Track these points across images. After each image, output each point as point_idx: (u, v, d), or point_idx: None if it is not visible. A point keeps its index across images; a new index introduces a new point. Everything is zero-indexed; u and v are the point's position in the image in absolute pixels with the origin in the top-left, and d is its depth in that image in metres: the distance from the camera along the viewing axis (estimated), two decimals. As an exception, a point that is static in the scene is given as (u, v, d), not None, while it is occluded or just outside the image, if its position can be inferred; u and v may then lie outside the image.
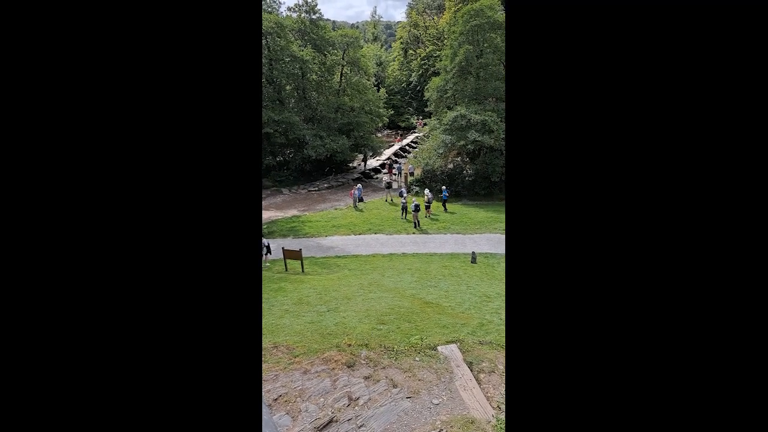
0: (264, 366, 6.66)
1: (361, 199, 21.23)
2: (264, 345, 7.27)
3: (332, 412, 5.72)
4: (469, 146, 21.80)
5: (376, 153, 29.81)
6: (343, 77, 27.52)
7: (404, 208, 18.93)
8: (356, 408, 5.84)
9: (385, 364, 6.82)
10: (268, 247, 14.09)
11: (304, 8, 26.72)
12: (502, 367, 6.90)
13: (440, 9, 43.81)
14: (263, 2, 26.50)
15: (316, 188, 24.75)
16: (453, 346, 7.38)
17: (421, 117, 35.97)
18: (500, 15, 22.54)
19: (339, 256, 15.16)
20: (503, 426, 4.96)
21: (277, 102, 25.14)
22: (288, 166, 25.95)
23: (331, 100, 26.68)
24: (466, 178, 22.59)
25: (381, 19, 74.08)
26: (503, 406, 5.69)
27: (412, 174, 24.61)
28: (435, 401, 6.01)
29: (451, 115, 21.99)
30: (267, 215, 19.49)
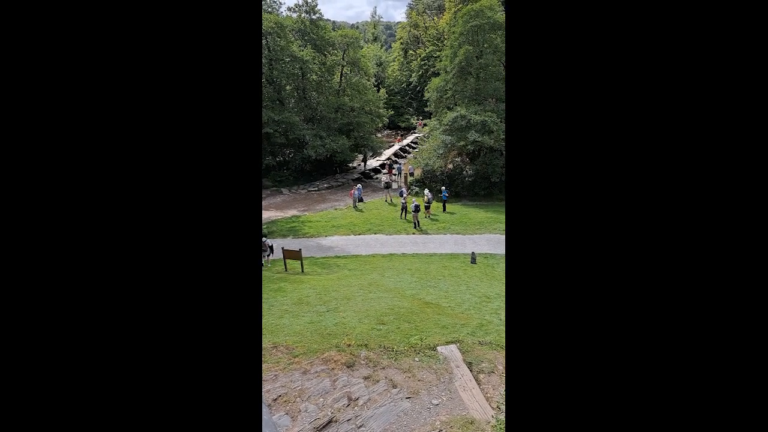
0: (263, 366, 6.66)
1: (360, 200, 21.24)
2: (263, 345, 7.26)
3: (332, 413, 5.72)
4: (469, 147, 21.81)
5: (376, 153, 29.81)
6: (343, 77, 27.52)
7: (404, 208, 18.93)
8: (356, 408, 5.84)
9: (384, 364, 6.82)
10: (271, 247, 14.10)
11: (304, 8, 26.73)
12: (501, 368, 6.90)
13: (440, 9, 43.82)
14: (263, 2, 26.50)
15: (316, 188, 24.75)
16: (453, 347, 7.38)
17: (421, 117, 35.97)
18: (500, 15, 22.55)
19: (339, 257, 15.16)
20: (503, 426, 4.96)
21: (277, 102, 25.14)
22: (288, 166, 25.95)
23: (331, 100, 26.68)
24: (466, 179, 22.60)
25: (381, 20, 74.10)
26: (503, 407, 5.69)
27: (412, 174, 24.62)
28: (434, 401, 6.01)
29: (451, 115, 21.99)
30: (267, 215, 19.49)
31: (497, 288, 11.50)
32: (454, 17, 28.62)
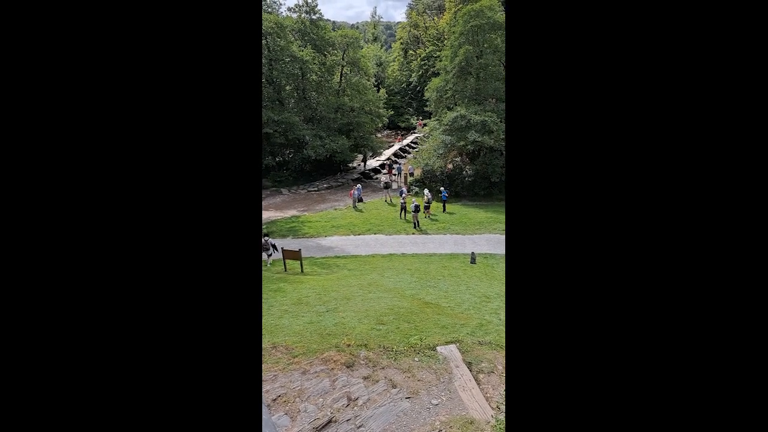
0: (263, 366, 6.66)
1: (360, 200, 21.24)
2: (263, 345, 7.26)
3: (331, 413, 5.72)
4: (469, 147, 21.81)
5: (375, 153, 29.80)
6: (343, 77, 27.52)
7: (403, 208, 18.92)
8: (355, 408, 5.84)
9: (384, 364, 6.82)
10: (273, 245, 14.13)
11: (304, 8, 26.73)
12: (501, 368, 6.91)
13: (440, 9, 43.83)
14: (263, 2, 26.50)
15: (316, 188, 24.75)
16: (452, 347, 7.38)
17: (420, 117, 35.98)
18: (500, 15, 22.55)
19: (338, 257, 15.16)
20: (502, 426, 4.96)
21: (277, 102, 25.14)
22: (287, 167, 25.94)
23: (331, 100, 26.68)
24: (466, 179, 22.60)
25: (381, 20, 74.13)
26: (502, 407, 5.69)
27: (411, 174, 24.62)
28: (434, 401, 6.01)
29: (450, 115, 21.99)
30: (266, 215, 19.49)
31: (497, 288, 11.51)
32: (454, 17, 28.63)
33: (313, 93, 26.91)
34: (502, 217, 18.24)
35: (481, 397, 6.13)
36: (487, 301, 10.40)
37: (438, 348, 7.32)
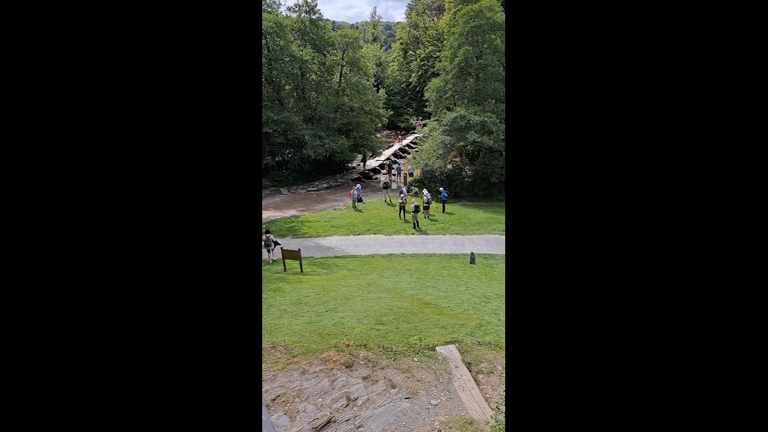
0: (262, 366, 6.65)
1: (360, 200, 21.24)
2: (262, 345, 7.26)
3: (330, 413, 5.72)
4: (469, 147, 21.82)
5: (375, 153, 29.80)
6: (342, 77, 27.52)
7: (402, 208, 18.91)
8: (354, 408, 5.84)
9: (383, 364, 6.82)
10: (275, 242, 14.14)
11: (304, 8, 26.73)
12: (500, 368, 6.91)
13: (440, 10, 43.86)
14: (263, 2, 26.49)
15: (315, 188, 24.74)
16: (452, 347, 7.38)
17: (420, 117, 35.99)
18: (500, 16, 22.56)
19: (338, 257, 15.16)
20: (502, 427, 4.96)
21: (277, 102, 25.13)
22: (287, 166, 25.94)
23: (330, 100, 26.68)
24: (465, 179, 22.61)
25: (381, 20, 74.21)
26: (502, 407, 5.69)
27: (411, 175, 24.63)
28: (433, 402, 6.01)
29: (450, 116, 22.00)
30: (266, 215, 19.48)
31: (496, 288, 11.51)
32: (454, 18, 28.63)
33: (313, 93, 26.90)
34: (502, 218, 18.27)
35: (480, 398, 6.13)
36: (486, 302, 10.40)
37: (437, 348, 7.32)
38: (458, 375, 6.62)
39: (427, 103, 27.65)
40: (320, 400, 5.97)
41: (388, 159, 29.90)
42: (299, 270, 13.23)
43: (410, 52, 44.59)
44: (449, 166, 23.49)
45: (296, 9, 26.93)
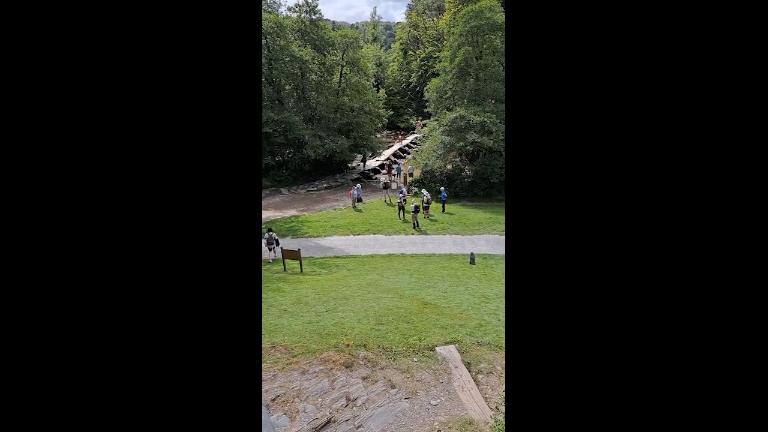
0: (262, 366, 6.64)
1: (360, 200, 21.23)
2: (262, 345, 7.26)
3: (330, 413, 5.72)
4: (468, 147, 21.82)
5: (375, 153, 29.80)
6: (342, 77, 27.52)
7: (401, 207, 18.89)
8: (354, 408, 5.84)
9: (383, 364, 6.82)
10: (277, 240, 14.15)
11: (304, 8, 26.72)
12: (500, 368, 6.91)
13: (440, 10, 43.86)
14: (263, 2, 26.49)
15: (315, 188, 24.74)
16: (451, 347, 7.38)
17: (420, 118, 35.99)
18: (500, 16, 22.56)
19: (338, 257, 15.15)
20: (502, 427, 4.96)
21: (277, 102, 25.13)
22: (287, 166, 25.93)
23: (330, 100, 26.67)
24: (465, 179, 22.60)
25: (381, 20, 74.18)
26: (501, 407, 5.69)
27: (411, 175, 24.63)
28: (433, 402, 6.01)
29: (450, 116, 22.00)
30: (266, 215, 19.48)
31: (496, 288, 11.51)
32: (454, 18, 28.62)
33: (313, 93, 26.90)
34: (502, 218, 18.26)
35: (480, 398, 6.13)
36: (486, 302, 10.40)
37: (437, 348, 7.32)
38: (458, 375, 6.62)
39: (427, 104, 27.64)
40: (320, 400, 5.97)
41: (388, 159, 29.90)
42: (299, 270, 13.23)
43: (410, 52, 44.59)
44: (449, 167, 23.48)
45: (296, 9, 26.93)
